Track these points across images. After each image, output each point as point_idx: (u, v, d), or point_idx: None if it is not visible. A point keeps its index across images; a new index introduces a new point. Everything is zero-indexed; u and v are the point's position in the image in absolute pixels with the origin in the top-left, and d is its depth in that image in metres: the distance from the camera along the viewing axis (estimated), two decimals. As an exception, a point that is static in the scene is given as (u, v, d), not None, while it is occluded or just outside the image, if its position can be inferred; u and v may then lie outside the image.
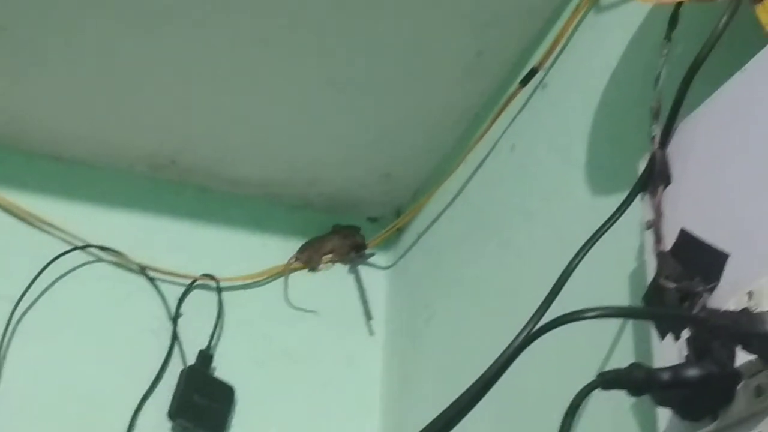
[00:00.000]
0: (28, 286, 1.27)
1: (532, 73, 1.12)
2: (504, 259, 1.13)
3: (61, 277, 1.30)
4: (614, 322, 0.85)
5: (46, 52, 1.20)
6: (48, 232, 1.32)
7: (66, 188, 1.36)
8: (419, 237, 1.40)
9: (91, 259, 1.33)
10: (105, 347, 1.29)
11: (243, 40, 1.19)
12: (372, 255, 1.47)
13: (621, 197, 0.78)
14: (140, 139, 1.35)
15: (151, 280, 1.34)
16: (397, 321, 1.41)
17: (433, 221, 1.36)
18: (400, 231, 1.43)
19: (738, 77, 0.69)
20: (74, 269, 1.32)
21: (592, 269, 0.83)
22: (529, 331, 0.63)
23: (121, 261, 1.34)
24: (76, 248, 1.32)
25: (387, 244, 1.47)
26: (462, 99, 1.27)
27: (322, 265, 1.43)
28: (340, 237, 1.44)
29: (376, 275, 1.47)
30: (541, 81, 1.12)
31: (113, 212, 1.37)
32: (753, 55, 0.68)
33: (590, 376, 0.62)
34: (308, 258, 1.43)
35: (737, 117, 0.68)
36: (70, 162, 1.37)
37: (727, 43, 0.73)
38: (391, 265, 1.47)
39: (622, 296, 0.85)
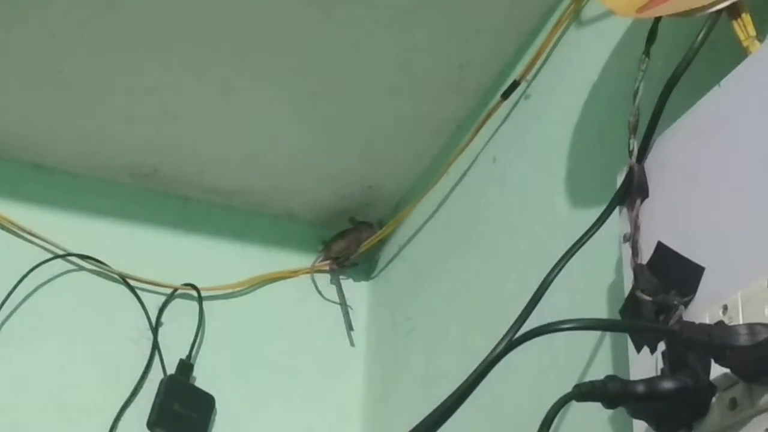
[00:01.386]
0: (8, 295, 1.26)
1: (514, 86, 1.13)
2: (485, 271, 1.14)
3: (41, 285, 1.30)
4: (593, 335, 0.85)
5: (27, 59, 1.20)
6: (28, 241, 1.31)
7: (47, 197, 1.35)
8: (401, 248, 1.40)
9: (71, 268, 1.33)
10: (85, 356, 1.28)
11: (226, 50, 1.19)
12: (354, 265, 1.47)
13: (600, 210, 0.79)
14: (123, 148, 1.35)
15: (132, 289, 1.34)
16: (378, 332, 1.41)
17: (415, 233, 1.36)
18: (381, 242, 1.43)
19: (715, 92, 0.69)
20: (54, 278, 1.31)
21: (571, 282, 0.84)
22: (506, 343, 0.63)
23: (102, 270, 1.33)
24: (56, 257, 1.31)
25: (369, 255, 1.47)
26: (444, 111, 1.27)
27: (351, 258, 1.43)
28: (357, 232, 1.44)
29: (357, 286, 1.47)
30: (522, 94, 1.13)
31: (94, 221, 1.37)
32: (730, 70, 0.68)
33: (568, 388, 0.63)
34: (346, 249, 1.42)
35: (714, 132, 0.69)
36: (52, 170, 1.36)
37: (704, 58, 0.74)
38: (373, 277, 1.47)
39: (600, 309, 0.85)
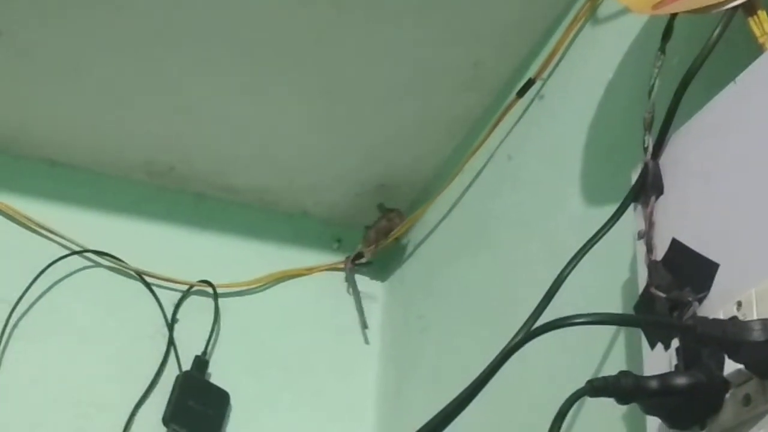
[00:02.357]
0: (25, 291, 1.26)
1: (529, 84, 1.13)
2: (498, 269, 1.14)
3: (58, 281, 1.30)
4: (607, 331, 0.85)
5: (46, 58, 1.21)
6: (45, 237, 1.32)
7: (64, 193, 1.35)
8: (416, 247, 1.40)
9: (88, 264, 1.33)
10: (101, 352, 1.28)
11: (242, 49, 1.20)
12: (368, 264, 1.47)
13: (614, 208, 0.79)
14: (139, 146, 1.36)
15: (148, 285, 1.34)
16: (392, 330, 1.42)
17: (430, 231, 1.36)
18: (396, 240, 1.43)
19: (730, 89, 0.69)
20: (71, 274, 1.32)
21: (585, 278, 0.84)
22: (521, 336, 0.64)
23: (119, 266, 1.34)
24: (73, 253, 1.32)
25: (383, 253, 1.47)
26: (459, 110, 1.27)
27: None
28: (387, 220, 1.42)
29: (372, 284, 1.47)
30: (538, 92, 1.13)
31: (111, 218, 1.37)
32: (745, 67, 0.69)
33: (582, 384, 0.63)
34: (375, 239, 1.41)
35: (729, 128, 0.69)
36: (68, 167, 1.37)
37: (720, 54, 0.74)
38: (388, 275, 1.47)
39: (615, 305, 0.85)
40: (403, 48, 1.19)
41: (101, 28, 1.16)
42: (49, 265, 1.29)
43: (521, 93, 1.14)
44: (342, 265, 1.46)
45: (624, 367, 0.80)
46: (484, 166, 1.23)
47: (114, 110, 1.29)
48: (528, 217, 1.09)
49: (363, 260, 1.46)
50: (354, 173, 1.41)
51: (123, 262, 1.34)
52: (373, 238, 1.42)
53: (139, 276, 1.34)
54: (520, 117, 1.16)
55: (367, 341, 1.43)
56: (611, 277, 0.86)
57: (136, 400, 1.26)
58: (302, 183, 1.43)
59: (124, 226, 1.37)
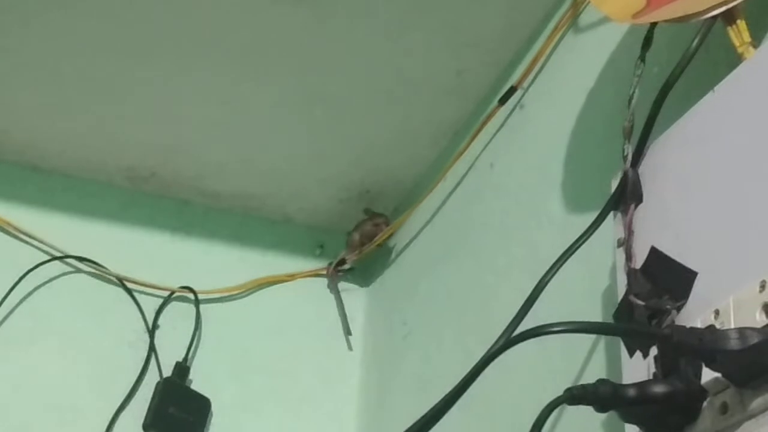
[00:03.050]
0: (5, 296, 1.26)
1: (511, 91, 1.13)
2: (480, 276, 1.14)
3: (38, 287, 1.30)
4: (587, 339, 0.86)
5: (27, 63, 1.20)
6: (26, 242, 1.31)
7: (45, 198, 1.35)
8: (398, 253, 1.40)
9: (69, 270, 1.33)
10: (81, 358, 1.28)
11: (225, 55, 1.20)
12: (351, 270, 1.47)
13: (595, 215, 0.79)
14: (121, 151, 1.35)
15: (129, 291, 1.34)
16: (375, 337, 1.41)
17: (413, 238, 1.36)
18: (379, 247, 1.43)
19: (709, 98, 0.70)
20: (52, 280, 1.31)
21: (566, 286, 0.84)
22: (498, 344, 0.64)
23: (100, 272, 1.33)
24: (54, 258, 1.31)
25: (366, 259, 1.46)
26: (442, 117, 1.27)
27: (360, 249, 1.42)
28: (373, 224, 1.41)
29: (354, 291, 1.47)
30: (519, 100, 1.13)
31: (92, 223, 1.37)
32: (724, 76, 0.69)
33: (563, 391, 0.63)
34: (360, 243, 1.41)
35: (708, 137, 0.69)
36: (50, 172, 1.37)
37: (699, 64, 0.74)
38: (370, 281, 1.47)
39: (595, 313, 0.85)
40: (386, 55, 1.19)
41: (83, 34, 1.16)
42: (30, 271, 1.29)
43: (503, 101, 1.14)
44: (324, 271, 1.46)
45: (604, 375, 0.81)
46: (467, 172, 1.23)
47: (96, 115, 1.29)
48: (510, 224, 1.10)
49: (346, 266, 1.46)
50: (337, 179, 1.41)
51: (104, 267, 1.33)
52: (358, 242, 1.41)
53: (121, 282, 1.34)
54: (502, 124, 1.16)
55: (350, 347, 1.42)
56: (593, 284, 0.86)
57: (117, 406, 1.26)
58: (285, 189, 1.43)
59: (106, 231, 1.37)
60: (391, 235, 1.40)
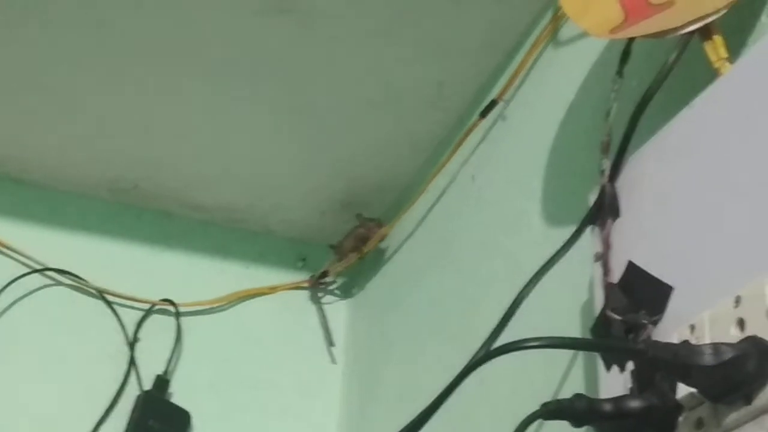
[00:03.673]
0: (-15, 309, 1.26)
1: (492, 104, 1.13)
2: (462, 288, 1.14)
3: (18, 300, 1.29)
4: (565, 352, 0.86)
5: (7, 75, 1.20)
6: (6, 255, 1.30)
7: (25, 211, 1.34)
8: (381, 265, 1.40)
9: (49, 282, 1.32)
10: (61, 371, 1.27)
11: (207, 66, 1.20)
12: (333, 283, 1.47)
13: (576, 228, 0.79)
14: (103, 163, 1.35)
15: (110, 304, 1.33)
16: (357, 349, 1.41)
17: (395, 250, 1.37)
18: (361, 259, 1.43)
19: (686, 113, 0.70)
20: (32, 292, 1.30)
21: (545, 300, 0.84)
22: (476, 359, 0.64)
23: (80, 285, 1.33)
24: (34, 271, 1.31)
25: (348, 272, 1.46)
26: (423, 129, 1.28)
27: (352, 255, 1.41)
28: (365, 229, 1.40)
29: (336, 303, 1.47)
30: (500, 113, 1.14)
31: (73, 236, 1.36)
32: (701, 91, 0.69)
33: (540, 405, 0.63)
34: (353, 247, 1.40)
35: (685, 152, 0.69)
36: (30, 184, 1.36)
37: (676, 78, 0.75)
38: (352, 294, 1.47)
39: (574, 327, 0.85)
40: (368, 67, 1.19)
41: (65, 46, 1.16)
42: (10, 283, 1.28)
43: (484, 113, 1.14)
44: (306, 284, 1.46)
45: (582, 388, 0.81)
46: (448, 185, 1.23)
47: (77, 127, 1.28)
48: (491, 236, 1.10)
49: (328, 279, 1.46)
50: (319, 192, 1.41)
51: (84, 280, 1.33)
52: (351, 245, 1.41)
53: (101, 294, 1.33)
54: (483, 137, 1.16)
55: (332, 360, 1.42)
56: (571, 297, 0.86)
57: (97, 419, 1.25)
58: (267, 201, 1.43)
59: (86, 244, 1.36)
60: (380, 242, 1.39)
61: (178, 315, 1.35)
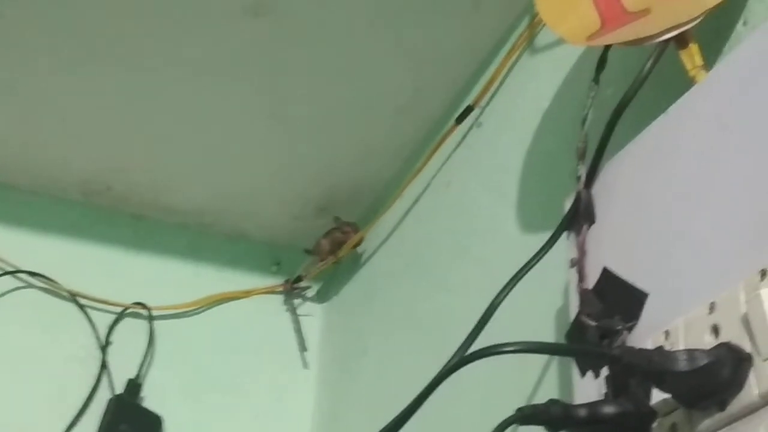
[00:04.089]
0: (-45, 311, 1.24)
1: (468, 111, 1.14)
2: (437, 294, 1.14)
3: (-12, 302, 1.28)
4: (540, 358, 0.86)
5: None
6: (-24, 257, 1.30)
7: (-3, 212, 1.34)
8: (355, 271, 1.40)
9: (20, 284, 1.31)
10: (32, 374, 1.26)
11: (182, 70, 1.19)
12: (307, 288, 1.47)
13: (551, 234, 0.79)
14: (75, 165, 1.34)
15: (82, 307, 1.32)
16: (331, 354, 1.41)
17: (370, 255, 1.36)
18: (336, 264, 1.43)
19: (661, 120, 0.71)
20: (3, 295, 1.29)
21: (522, 306, 0.84)
22: (450, 364, 0.64)
23: (52, 287, 1.32)
24: (5, 273, 1.29)
25: (323, 277, 1.46)
26: (399, 135, 1.28)
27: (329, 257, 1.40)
28: (341, 232, 1.39)
29: (310, 308, 1.47)
30: (476, 119, 1.14)
31: (45, 238, 1.35)
32: (676, 98, 0.70)
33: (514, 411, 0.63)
34: (330, 250, 1.39)
35: (660, 159, 0.70)
36: (2, 186, 1.34)
37: (652, 86, 0.75)
38: (327, 299, 1.47)
39: (548, 332, 0.86)
40: (344, 72, 1.19)
41: (35, 47, 1.15)
42: (-19, 285, 1.27)
43: (460, 120, 1.15)
44: (281, 288, 1.46)
45: (557, 393, 0.81)
46: (424, 191, 1.23)
47: (49, 129, 1.27)
48: (466, 242, 1.10)
49: (302, 284, 1.45)
50: (294, 196, 1.40)
51: (56, 283, 1.32)
52: (328, 249, 1.40)
53: (73, 297, 1.32)
54: (459, 144, 1.17)
55: (305, 365, 1.42)
56: (546, 303, 0.87)
57: (68, 423, 1.24)
58: (241, 205, 1.42)
59: (59, 246, 1.35)
60: (357, 245, 1.39)
61: (150, 318, 1.34)
